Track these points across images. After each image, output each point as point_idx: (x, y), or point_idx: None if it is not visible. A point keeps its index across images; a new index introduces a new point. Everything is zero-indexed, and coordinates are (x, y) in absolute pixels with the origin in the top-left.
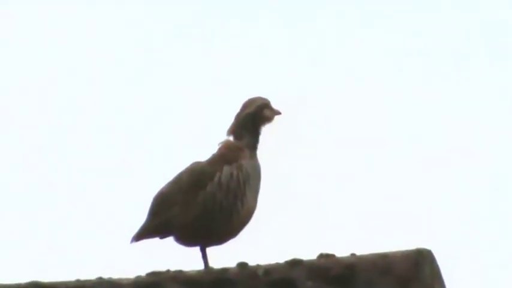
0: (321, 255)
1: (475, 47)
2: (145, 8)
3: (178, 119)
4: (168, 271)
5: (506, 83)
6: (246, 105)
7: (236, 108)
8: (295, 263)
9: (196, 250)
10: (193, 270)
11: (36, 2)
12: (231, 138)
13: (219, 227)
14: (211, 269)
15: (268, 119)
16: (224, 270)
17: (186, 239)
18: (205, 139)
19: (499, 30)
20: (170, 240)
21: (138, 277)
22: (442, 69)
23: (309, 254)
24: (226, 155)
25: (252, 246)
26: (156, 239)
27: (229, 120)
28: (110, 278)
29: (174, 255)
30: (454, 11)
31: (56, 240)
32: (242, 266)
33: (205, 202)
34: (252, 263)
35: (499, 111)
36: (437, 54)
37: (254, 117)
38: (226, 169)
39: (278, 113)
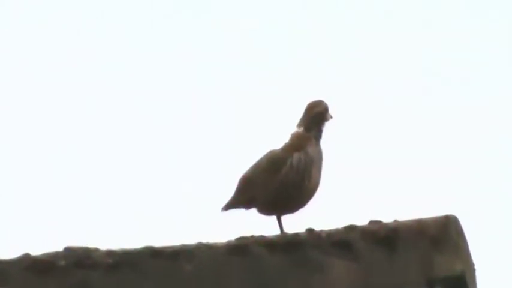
0: (371, 221)
1: None
2: None
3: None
4: (252, 236)
5: None
6: (315, 105)
7: (293, 107)
8: (351, 228)
9: (273, 219)
10: (271, 235)
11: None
12: (300, 130)
13: (292, 201)
14: (286, 233)
15: (328, 120)
16: (296, 234)
17: (265, 211)
18: (275, 131)
19: None
20: (253, 211)
21: (230, 241)
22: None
23: (361, 220)
24: (296, 144)
25: (317, 215)
26: (242, 210)
27: (287, 115)
28: (208, 242)
29: (256, 223)
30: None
31: (162, 211)
32: (309, 230)
33: (280, 182)
34: (317, 228)
35: None
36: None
37: (322, 116)
38: (296, 155)
39: (331, 117)
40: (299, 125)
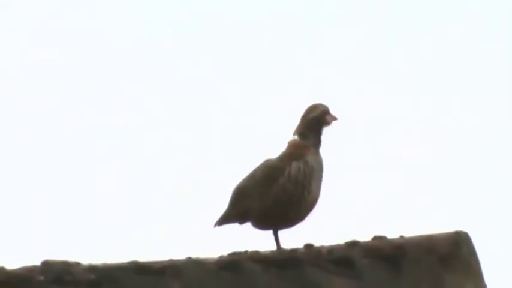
0: (375, 237)
1: None
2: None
3: (247, 123)
4: (246, 251)
5: None
6: (310, 110)
7: (290, 113)
8: (353, 244)
9: (270, 233)
10: (267, 251)
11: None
12: (297, 137)
13: (290, 214)
14: (283, 249)
15: (328, 123)
16: (293, 251)
17: (261, 225)
18: (273, 139)
19: None
20: (248, 225)
21: (221, 257)
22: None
23: (364, 236)
24: (294, 153)
25: (316, 230)
26: (236, 225)
27: (287, 122)
28: (198, 257)
29: (251, 238)
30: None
31: (151, 225)
32: (308, 246)
33: (277, 193)
34: (316, 244)
35: None
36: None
37: (318, 121)
38: (294, 164)
39: (335, 118)
40: (295, 132)
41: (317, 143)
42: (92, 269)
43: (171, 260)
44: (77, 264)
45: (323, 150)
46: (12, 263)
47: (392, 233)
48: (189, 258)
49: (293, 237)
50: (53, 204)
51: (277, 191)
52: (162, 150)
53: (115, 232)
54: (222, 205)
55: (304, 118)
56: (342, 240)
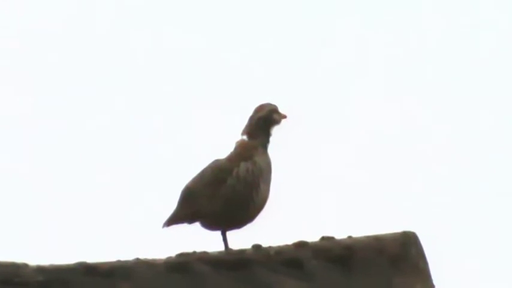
0: (323, 238)
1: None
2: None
3: (195, 125)
4: (194, 252)
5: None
6: (257, 110)
7: (241, 113)
8: (301, 245)
9: (218, 234)
10: (215, 251)
11: None
12: (245, 138)
13: (239, 214)
14: (231, 250)
15: (277, 122)
16: (242, 251)
17: (209, 225)
18: (221, 140)
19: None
20: (196, 225)
21: (169, 257)
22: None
23: (312, 236)
24: (242, 153)
25: (264, 230)
26: (184, 225)
27: (238, 122)
28: (146, 258)
29: (197, 238)
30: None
31: (98, 225)
32: (257, 247)
33: (226, 194)
34: (264, 244)
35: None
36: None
37: (265, 120)
38: (242, 165)
39: (284, 116)
40: (243, 133)
41: (265, 143)
42: (40, 270)
43: (119, 261)
44: (25, 265)
45: (272, 150)
46: None
47: (339, 233)
48: (138, 259)
49: (240, 238)
50: None
51: (226, 191)
52: (112, 150)
53: (62, 233)
54: (171, 205)
55: (252, 118)
56: (290, 241)
